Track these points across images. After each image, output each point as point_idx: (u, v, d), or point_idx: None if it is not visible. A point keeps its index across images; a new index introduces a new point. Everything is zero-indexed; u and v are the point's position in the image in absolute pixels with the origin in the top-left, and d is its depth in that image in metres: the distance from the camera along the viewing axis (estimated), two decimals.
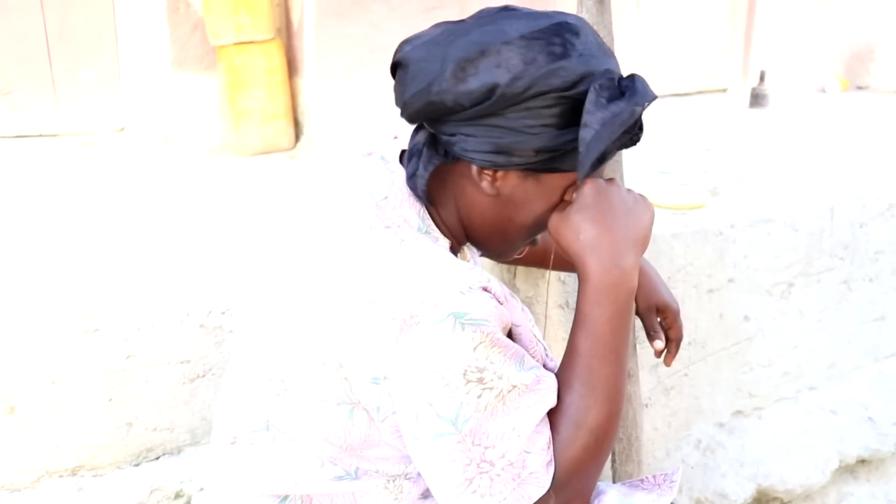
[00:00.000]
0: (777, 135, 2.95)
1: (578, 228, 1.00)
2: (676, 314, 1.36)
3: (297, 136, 2.59)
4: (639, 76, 0.98)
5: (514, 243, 1.08)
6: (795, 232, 2.01)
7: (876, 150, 2.70)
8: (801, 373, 2.15)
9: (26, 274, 1.52)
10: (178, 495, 1.50)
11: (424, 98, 0.96)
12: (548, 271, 1.59)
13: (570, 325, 1.02)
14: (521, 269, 1.69)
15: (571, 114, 0.95)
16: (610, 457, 1.50)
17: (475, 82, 0.93)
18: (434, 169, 1.01)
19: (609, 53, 1.00)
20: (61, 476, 1.48)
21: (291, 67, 2.55)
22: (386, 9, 2.43)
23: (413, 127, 1.08)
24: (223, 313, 1.55)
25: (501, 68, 0.93)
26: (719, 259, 1.90)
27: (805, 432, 2.07)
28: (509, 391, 0.92)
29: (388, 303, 0.91)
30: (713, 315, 1.93)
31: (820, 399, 2.17)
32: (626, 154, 1.45)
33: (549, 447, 0.95)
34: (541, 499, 0.94)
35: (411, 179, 1.02)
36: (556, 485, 0.95)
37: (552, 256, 1.24)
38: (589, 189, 1.00)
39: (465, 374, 0.90)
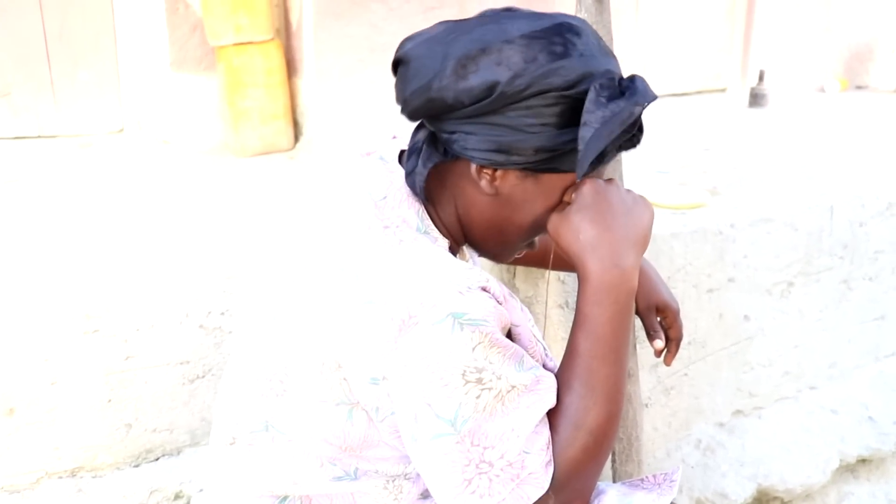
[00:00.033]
0: (776, 134, 2.95)
1: (578, 228, 1.00)
2: (676, 314, 1.36)
3: (297, 137, 2.59)
4: (639, 76, 0.98)
5: (513, 244, 1.08)
6: (795, 231, 2.00)
7: (875, 149, 2.71)
8: (802, 372, 2.15)
9: (26, 275, 1.52)
10: (177, 496, 1.50)
11: (425, 95, 0.96)
12: (547, 271, 1.59)
13: (570, 324, 1.02)
14: (520, 268, 1.69)
15: (571, 113, 0.95)
16: (610, 456, 1.50)
17: (476, 80, 0.93)
18: (433, 167, 1.01)
19: (610, 54, 1.00)
20: (60, 477, 1.48)
21: (290, 68, 2.55)
22: (385, 9, 2.43)
23: (412, 127, 1.08)
24: (222, 314, 1.55)
25: (502, 66, 0.93)
26: (719, 259, 1.89)
27: (805, 432, 2.07)
28: (508, 391, 0.92)
29: (387, 303, 0.90)
30: (713, 315, 1.93)
31: (820, 398, 2.17)
32: (626, 154, 1.44)
33: (548, 447, 0.95)
34: (540, 499, 0.94)
35: (410, 177, 1.02)
36: (556, 485, 0.95)
37: (552, 256, 1.24)
38: (588, 189, 1.00)
39: (463, 375, 0.90)
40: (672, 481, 1.14)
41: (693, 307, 1.87)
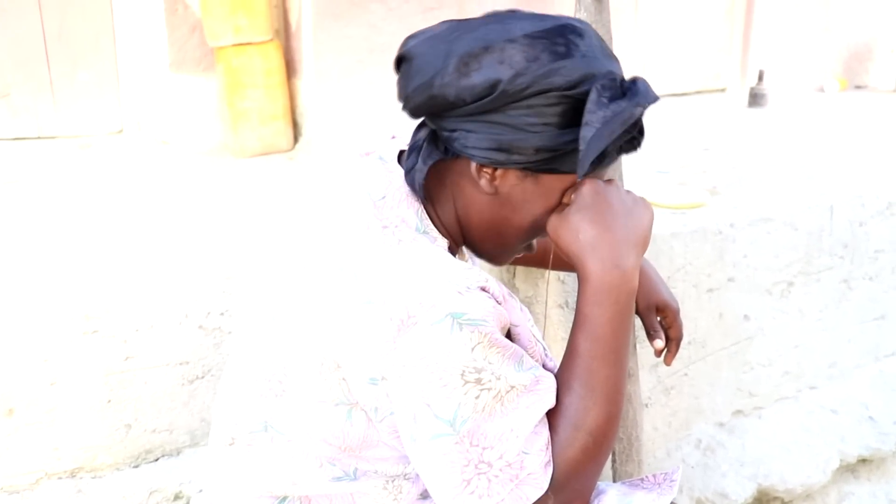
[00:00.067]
0: (776, 134, 2.95)
1: (578, 228, 1.00)
2: (676, 313, 1.36)
3: (296, 138, 2.59)
4: (641, 78, 0.98)
5: (511, 246, 1.08)
6: (795, 231, 2.00)
7: (875, 149, 2.70)
8: (802, 372, 2.15)
9: (25, 275, 1.52)
10: (177, 497, 1.50)
11: (427, 92, 0.96)
12: (547, 271, 1.59)
13: (570, 325, 1.02)
14: (520, 268, 1.68)
15: (573, 114, 0.95)
16: (610, 456, 1.50)
17: (478, 77, 0.93)
18: (433, 164, 1.01)
19: (612, 57, 1.00)
20: (60, 478, 1.48)
21: (290, 68, 2.55)
22: (384, 9, 2.43)
23: (412, 128, 1.08)
24: (222, 314, 1.54)
25: (504, 65, 0.93)
26: (719, 258, 1.89)
27: (805, 432, 2.07)
28: (507, 392, 0.92)
29: (386, 303, 0.90)
30: (713, 314, 1.93)
31: (820, 398, 2.17)
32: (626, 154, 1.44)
33: (547, 448, 0.95)
34: (539, 500, 0.94)
35: (409, 174, 1.02)
36: (555, 486, 0.95)
37: (551, 256, 1.24)
38: (588, 189, 1.00)
39: (462, 375, 0.90)
40: (672, 481, 1.14)
41: (693, 307, 1.87)
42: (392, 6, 2.44)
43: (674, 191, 2.05)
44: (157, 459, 1.55)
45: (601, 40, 1.00)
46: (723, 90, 3.56)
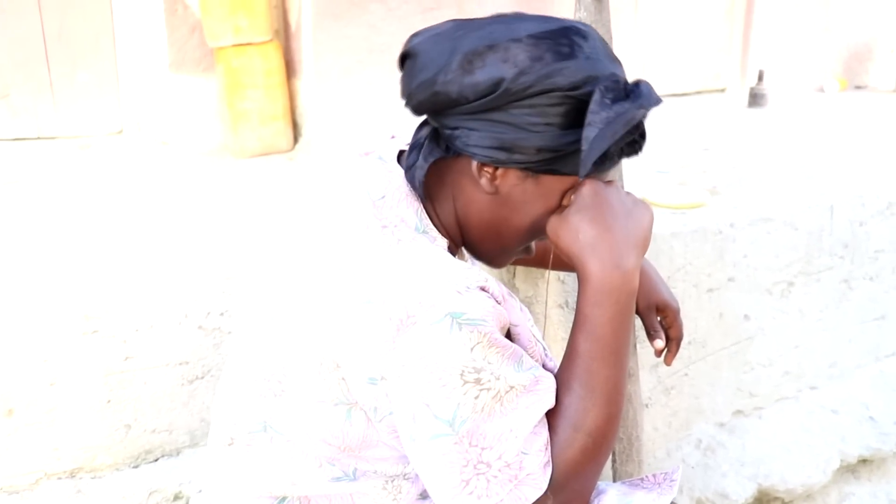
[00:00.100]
0: (776, 134, 2.95)
1: (577, 228, 1.00)
2: (676, 313, 1.35)
3: (296, 138, 2.58)
4: (644, 81, 0.99)
5: (509, 248, 1.08)
6: (795, 231, 2.00)
7: (875, 148, 2.70)
8: (802, 372, 2.15)
9: (25, 276, 1.52)
10: (176, 497, 1.50)
11: (430, 88, 0.96)
12: (547, 271, 1.59)
13: (570, 325, 1.02)
14: (520, 268, 1.68)
15: (575, 115, 0.95)
16: (610, 456, 1.50)
17: (481, 75, 0.94)
18: (434, 162, 1.01)
19: (616, 60, 1.01)
20: (60, 478, 1.48)
21: (289, 69, 2.55)
22: (384, 10, 2.43)
23: (411, 128, 1.08)
24: (222, 315, 1.54)
25: (508, 63, 0.93)
26: (719, 258, 1.89)
27: (806, 432, 2.07)
28: (507, 392, 0.92)
29: (385, 303, 0.90)
30: (713, 314, 1.93)
31: (821, 398, 2.17)
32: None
33: (546, 448, 0.94)
34: (538, 500, 0.93)
35: (410, 171, 1.02)
36: (554, 486, 0.95)
37: (551, 256, 1.24)
38: (588, 190, 1.00)
39: (462, 375, 0.90)
40: (672, 480, 1.14)
41: (693, 307, 1.87)
42: (391, 6, 2.44)
43: (674, 191, 2.05)
44: (156, 460, 1.55)
45: (605, 44, 1.01)
46: (723, 90, 3.56)
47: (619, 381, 1.00)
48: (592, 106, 0.93)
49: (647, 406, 1.87)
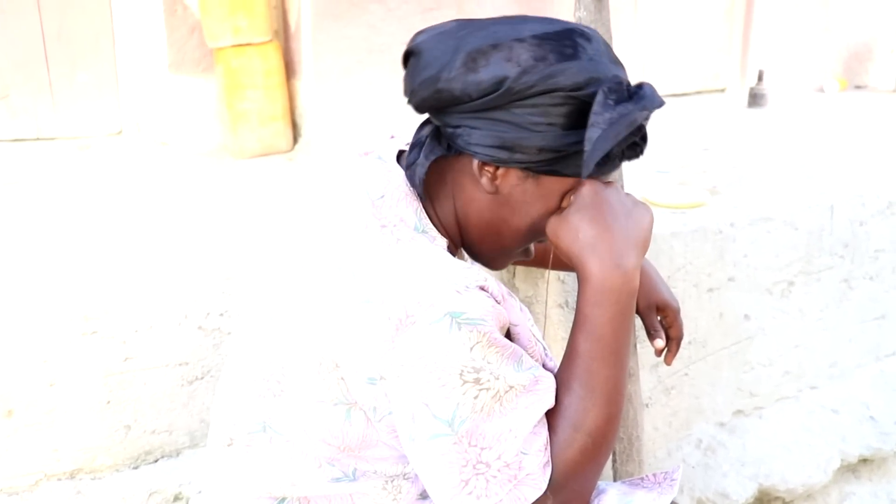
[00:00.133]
0: (776, 134, 2.95)
1: (577, 228, 1.00)
2: (677, 313, 1.35)
3: (295, 139, 2.58)
4: (648, 83, 0.99)
5: (509, 249, 1.08)
6: (795, 230, 2.00)
7: (875, 148, 2.70)
8: (802, 372, 2.15)
9: (24, 277, 1.52)
10: (176, 498, 1.50)
11: (433, 86, 0.97)
12: (547, 271, 1.59)
13: (570, 325, 1.02)
14: (520, 268, 1.68)
15: (578, 115, 0.95)
16: (611, 456, 1.50)
17: (484, 73, 0.94)
18: (435, 161, 1.01)
19: (619, 63, 1.01)
20: (59, 479, 1.48)
21: (289, 69, 2.55)
22: (383, 10, 2.43)
23: (412, 127, 1.08)
24: (221, 315, 1.54)
25: (511, 62, 0.94)
26: (719, 258, 1.89)
27: (806, 431, 2.07)
28: (506, 392, 0.92)
29: (384, 302, 0.90)
30: (713, 314, 1.93)
31: (821, 398, 2.17)
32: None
33: (545, 448, 0.94)
34: (538, 500, 0.93)
35: (410, 169, 1.02)
36: (554, 486, 0.95)
37: (551, 256, 1.24)
38: (587, 190, 1.01)
39: (461, 375, 0.89)
40: (673, 480, 1.14)
41: (693, 307, 1.87)
42: (391, 7, 2.44)
43: (674, 191, 2.05)
44: (156, 460, 1.55)
45: (608, 46, 1.01)
46: (722, 90, 3.56)
47: (620, 381, 1.00)
48: (596, 107, 0.93)
49: (647, 406, 1.87)
